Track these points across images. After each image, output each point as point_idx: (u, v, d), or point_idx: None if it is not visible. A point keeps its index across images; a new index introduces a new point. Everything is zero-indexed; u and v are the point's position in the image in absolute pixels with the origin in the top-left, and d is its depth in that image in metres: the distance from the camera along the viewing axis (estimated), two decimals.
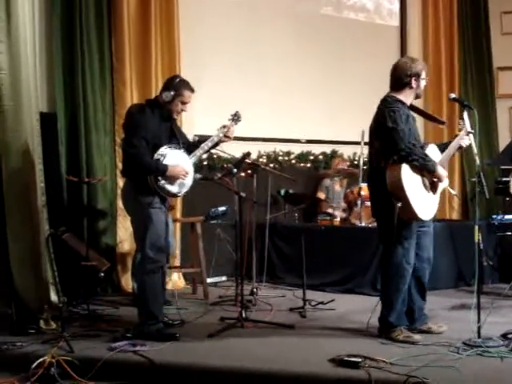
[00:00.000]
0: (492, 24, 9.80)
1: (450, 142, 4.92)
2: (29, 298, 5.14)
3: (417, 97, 4.85)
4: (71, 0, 6.64)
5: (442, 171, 4.71)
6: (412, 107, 4.91)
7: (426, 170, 4.62)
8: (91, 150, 6.73)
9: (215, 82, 7.66)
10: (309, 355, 4.42)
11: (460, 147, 4.87)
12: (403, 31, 9.46)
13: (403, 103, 4.75)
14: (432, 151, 4.77)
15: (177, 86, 4.91)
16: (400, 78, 4.78)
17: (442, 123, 4.85)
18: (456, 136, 4.87)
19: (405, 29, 9.46)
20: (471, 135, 4.69)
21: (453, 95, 5.00)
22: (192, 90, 4.98)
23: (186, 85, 4.97)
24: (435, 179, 4.72)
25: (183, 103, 4.96)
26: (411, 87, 4.76)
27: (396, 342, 4.63)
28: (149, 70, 7.10)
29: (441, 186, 4.83)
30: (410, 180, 4.58)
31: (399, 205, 4.55)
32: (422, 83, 4.78)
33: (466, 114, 4.70)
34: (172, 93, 4.88)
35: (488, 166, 8.10)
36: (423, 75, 4.77)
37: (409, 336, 4.67)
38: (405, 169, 4.56)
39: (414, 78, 4.74)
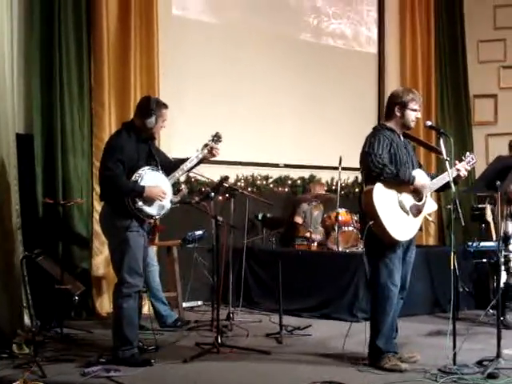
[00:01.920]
0: (469, 52, 9.98)
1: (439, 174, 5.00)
2: (1, 322, 5.06)
3: (405, 127, 4.86)
4: (50, 20, 6.63)
5: (421, 181, 4.71)
6: (406, 135, 4.95)
7: (402, 182, 4.65)
8: (68, 173, 6.68)
9: (194, 105, 7.69)
10: (285, 381, 4.41)
11: (458, 176, 4.92)
12: (381, 58, 9.58)
13: (392, 130, 4.80)
14: (417, 175, 4.78)
15: (155, 109, 4.91)
16: (388, 105, 4.89)
17: (439, 153, 4.88)
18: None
19: (383, 56, 9.58)
20: (447, 162, 4.72)
21: (429, 123, 5.03)
22: (166, 106, 5.03)
23: (161, 104, 5.00)
24: (420, 202, 4.73)
25: (163, 122, 5.00)
26: (396, 116, 4.81)
27: (383, 370, 4.60)
28: (128, 92, 7.09)
29: (426, 210, 4.84)
30: (384, 200, 4.61)
31: (371, 223, 4.59)
32: (410, 113, 4.79)
33: (442, 142, 4.74)
34: (154, 118, 4.89)
35: (464, 193, 8.16)
36: (411, 106, 4.78)
37: (396, 364, 4.63)
38: (377, 189, 4.60)
39: (397, 107, 4.78)
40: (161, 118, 4.94)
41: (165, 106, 5.01)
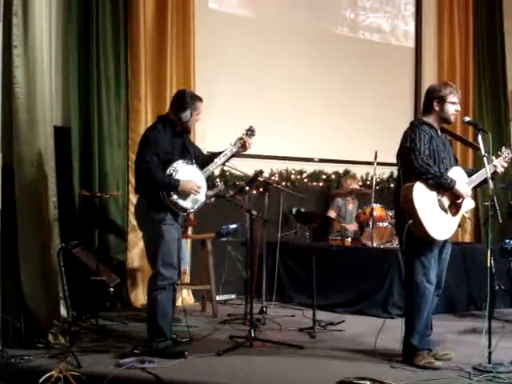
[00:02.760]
0: (507, 47, 9.83)
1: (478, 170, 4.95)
2: (38, 312, 5.12)
3: (445, 121, 4.81)
4: (88, 15, 6.70)
5: (462, 188, 4.67)
6: (444, 130, 4.90)
7: (442, 187, 4.61)
8: (104, 165, 6.76)
9: (229, 98, 7.70)
10: (317, 376, 4.40)
11: (495, 172, 4.87)
12: (418, 53, 9.47)
13: (431, 126, 4.75)
14: (456, 173, 4.74)
15: (190, 102, 4.94)
16: (426, 100, 4.84)
17: (477, 149, 4.82)
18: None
19: (420, 50, 9.48)
20: (485, 158, 4.66)
21: (467, 118, 4.97)
22: (201, 100, 5.06)
23: (196, 98, 5.04)
24: (458, 200, 4.69)
25: (198, 115, 5.02)
26: (435, 110, 4.76)
27: (417, 367, 4.57)
28: (164, 84, 7.14)
29: (464, 208, 4.79)
30: (423, 199, 4.57)
31: (410, 222, 4.55)
32: (449, 107, 4.74)
33: (480, 138, 4.68)
34: (189, 111, 4.91)
35: (502, 189, 8.06)
36: (450, 99, 4.73)
37: (430, 362, 4.60)
38: (418, 187, 4.56)
39: (436, 101, 4.74)
40: (195, 112, 4.96)
41: (199, 99, 5.03)
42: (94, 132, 6.69)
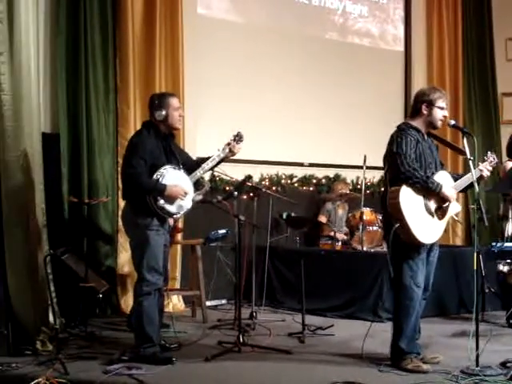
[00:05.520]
0: (497, 50, 9.87)
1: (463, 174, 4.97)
2: (26, 319, 5.11)
3: (432, 126, 4.82)
4: (76, 20, 6.68)
5: (448, 192, 4.68)
6: (431, 135, 4.91)
7: (428, 191, 4.62)
8: (94, 171, 6.74)
9: (219, 104, 7.70)
10: (305, 381, 4.40)
11: (481, 177, 4.88)
12: (408, 57, 9.50)
13: (418, 130, 4.76)
14: (442, 177, 4.75)
15: (161, 101, 4.94)
16: (415, 104, 4.85)
17: (463, 153, 4.84)
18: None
19: (409, 54, 9.51)
20: (470, 162, 4.68)
21: (452, 122, 4.96)
22: (173, 95, 5.11)
23: (166, 95, 5.09)
24: (444, 204, 4.70)
25: (176, 110, 4.99)
26: (423, 114, 4.76)
27: (405, 370, 4.57)
28: (153, 90, 7.07)
29: (450, 212, 4.80)
30: (410, 202, 4.58)
31: (396, 225, 4.56)
32: (437, 112, 4.74)
33: (465, 141, 4.70)
34: (163, 110, 4.91)
35: (487, 192, 8.07)
36: (439, 104, 4.73)
37: (418, 365, 4.60)
38: (404, 191, 4.57)
39: (424, 105, 4.74)
40: (171, 108, 4.95)
41: (170, 94, 5.09)
42: (83, 138, 6.67)
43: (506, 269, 6.16)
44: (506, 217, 6.33)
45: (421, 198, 4.64)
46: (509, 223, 6.23)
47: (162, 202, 4.78)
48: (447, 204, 4.74)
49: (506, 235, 6.24)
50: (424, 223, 4.64)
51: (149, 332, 4.80)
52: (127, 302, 6.82)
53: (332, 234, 7.77)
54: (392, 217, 4.63)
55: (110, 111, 6.94)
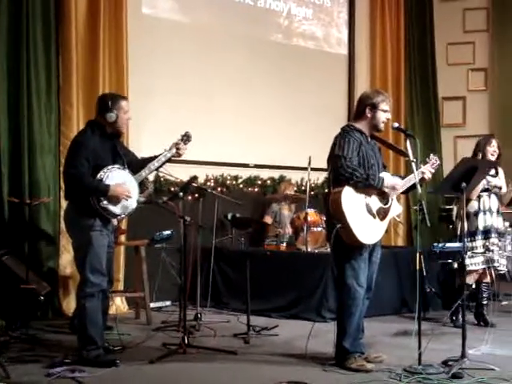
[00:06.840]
0: (438, 55, 10.07)
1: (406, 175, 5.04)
2: None
3: (375, 128, 4.87)
4: (18, 18, 6.55)
5: (391, 181, 4.75)
6: (374, 137, 4.96)
7: (371, 188, 4.67)
8: (35, 171, 6.61)
9: (164, 105, 7.66)
10: (251, 382, 4.40)
11: (423, 179, 4.95)
12: (351, 60, 9.61)
13: (361, 132, 4.81)
14: (385, 176, 4.81)
15: (112, 102, 4.89)
16: (358, 106, 4.90)
17: (405, 155, 4.91)
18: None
19: (353, 57, 9.62)
20: (413, 164, 4.75)
21: (396, 124, 5.04)
22: (124, 98, 5.09)
23: (118, 97, 5.04)
24: (387, 203, 4.76)
25: (126, 113, 4.96)
26: (367, 117, 4.82)
27: (349, 370, 4.62)
28: (96, 91, 7.01)
29: (392, 213, 4.86)
30: (352, 203, 4.63)
31: (338, 226, 4.61)
32: (380, 115, 4.80)
33: (408, 143, 4.77)
34: (114, 112, 4.86)
35: (430, 194, 8.23)
36: (382, 107, 4.80)
37: (362, 364, 4.66)
38: (346, 192, 4.61)
39: (368, 108, 4.80)
40: (122, 110, 4.91)
41: (122, 97, 5.06)
42: (24, 138, 6.53)
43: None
44: (459, 216, 6.43)
45: (362, 198, 4.69)
46: (461, 222, 6.32)
47: (105, 202, 4.72)
48: (389, 204, 4.81)
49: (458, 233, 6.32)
50: (365, 224, 4.69)
51: (92, 334, 4.73)
52: (69, 304, 6.72)
53: (277, 234, 7.79)
54: (334, 217, 4.68)
55: (53, 111, 6.83)
